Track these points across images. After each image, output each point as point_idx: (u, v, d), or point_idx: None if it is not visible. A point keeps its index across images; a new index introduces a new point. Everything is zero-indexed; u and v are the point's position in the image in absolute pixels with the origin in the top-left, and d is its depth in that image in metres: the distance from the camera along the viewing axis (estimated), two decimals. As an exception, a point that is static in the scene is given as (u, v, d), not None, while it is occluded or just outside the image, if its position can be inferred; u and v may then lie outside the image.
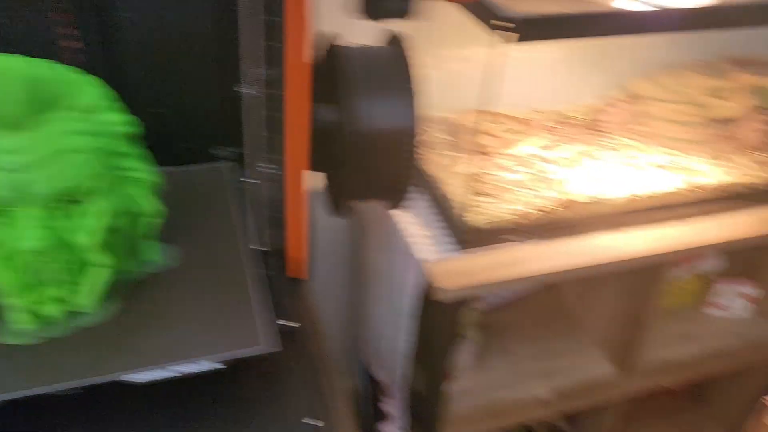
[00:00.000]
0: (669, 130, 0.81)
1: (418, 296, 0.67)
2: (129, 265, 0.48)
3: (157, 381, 0.43)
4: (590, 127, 0.83)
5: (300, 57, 0.45)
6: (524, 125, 0.81)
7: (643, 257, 0.68)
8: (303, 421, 0.44)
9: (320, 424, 0.44)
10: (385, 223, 0.74)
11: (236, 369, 0.45)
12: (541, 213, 0.68)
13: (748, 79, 0.83)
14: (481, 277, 0.64)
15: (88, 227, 0.42)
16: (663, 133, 0.81)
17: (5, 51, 0.46)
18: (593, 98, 0.87)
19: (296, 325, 0.49)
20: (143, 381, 0.42)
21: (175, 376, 0.43)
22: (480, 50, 0.57)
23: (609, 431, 0.91)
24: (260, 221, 0.54)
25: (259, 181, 0.52)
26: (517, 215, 0.67)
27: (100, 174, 0.43)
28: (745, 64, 0.87)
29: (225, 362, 0.44)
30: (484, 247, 0.67)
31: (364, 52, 0.50)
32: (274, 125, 0.48)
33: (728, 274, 0.98)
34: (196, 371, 0.43)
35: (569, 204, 0.69)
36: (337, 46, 0.50)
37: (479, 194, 0.69)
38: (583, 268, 0.66)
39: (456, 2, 0.60)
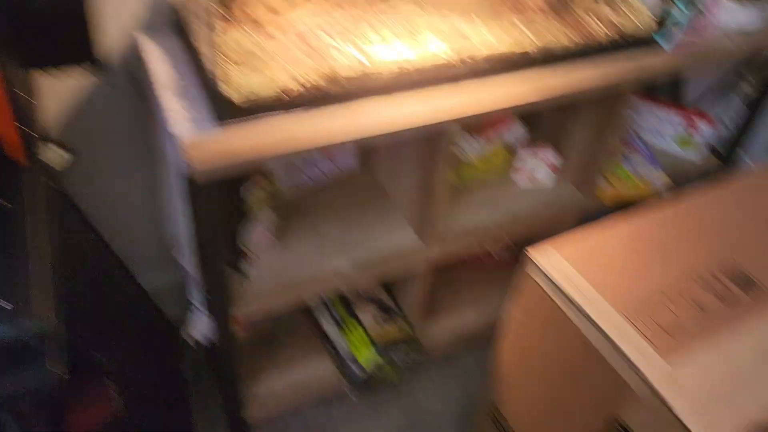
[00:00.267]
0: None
1: (183, 175, 0.65)
2: None
3: None
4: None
5: None
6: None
7: (417, 126, 0.69)
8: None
9: (8, 306, 0.43)
10: (153, 100, 0.70)
11: None
12: (308, 84, 0.66)
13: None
14: (240, 152, 0.62)
15: None
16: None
17: None
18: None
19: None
20: None
21: None
22: None
23: (422, 295, 0.95)
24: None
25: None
26: (283, 87, 0.65)
27: None
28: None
29: None
30: (246, 121, 0.65)
31: None
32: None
33: (532, 143, 1.02)
34: None
35: (338, 74, 0.67)
36: None
37: (240, 64, 0.66)
38: (346, 139, 0.66)
39: None
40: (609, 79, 0.78)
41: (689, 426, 0.54)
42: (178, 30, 0.77)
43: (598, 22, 0.82)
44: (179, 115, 0.65)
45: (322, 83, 0.66)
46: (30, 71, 0.55)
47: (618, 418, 0.62)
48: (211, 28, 0.63)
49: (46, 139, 0.63)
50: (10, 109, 0.48)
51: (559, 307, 0.66)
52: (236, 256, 0.78)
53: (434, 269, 0.97)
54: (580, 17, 0.83)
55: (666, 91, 1.19)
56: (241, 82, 0.64)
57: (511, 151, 1.00)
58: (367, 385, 0.92)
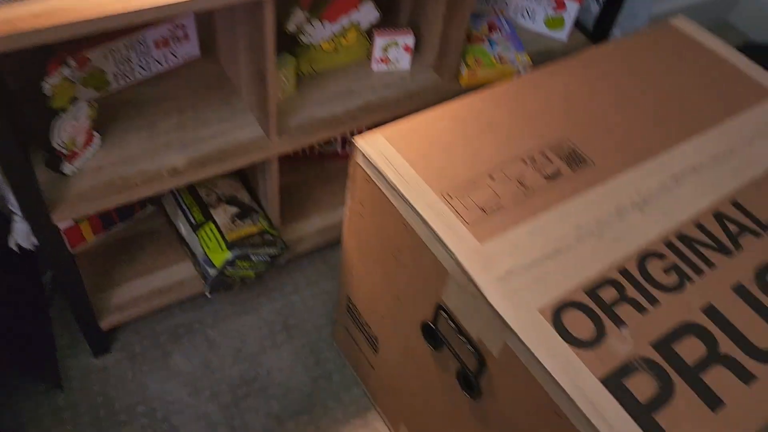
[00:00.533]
0: None
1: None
2: None
3: None
4: None
5: None
6: None
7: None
8: None
9: None
10: None
11: None
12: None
13: None
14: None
15: None
16: None
17: None
18: None
19: None
20: None
21: None
22: None
23: (276, 191, 0.92)
24: None
25: None
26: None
27: None
28: None
29: None
30: None
31: None
32: None
33: (388, 27, 0.96)
34: None
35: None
36: None
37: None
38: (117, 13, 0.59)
39: None
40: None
41: (493, 303, 0.54)
42: None
43: None
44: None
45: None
46: None
47: (441, 301, 0.62)
48: None
49: None
50: None
51: (383, 193, 0.64)
52: (51, 155, 0.72)
53: (295, 166, 0.93)
54: None
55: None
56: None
57: (366, 36, 0.94)
58: (221, 282, 0.90)
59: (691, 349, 0.54)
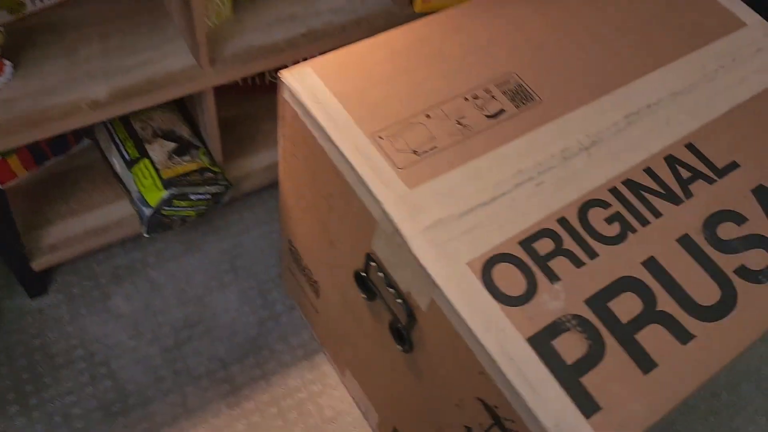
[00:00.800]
0: None
1: None
2: None
3: None
4: None
5: None
6: None
7: None
8: None
9: None
10: None
11: None
12: None
13: None
14: None
15: None
16: None
17: None
18: None
19: None
20: None
21: None
22: None
23: (215, 126, 0.86)
24: None
25: None
26: None
27: None
28: None
29: None
30: None
31: None
32: None
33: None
34: None
35: None
36: None
37: None
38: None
39: None
40: None
41: (418, 255, 0.50)
42: None
43: None
44: None
45: None
46: None
47: (371, 250, 0.58)
48: None
49: None
50: None
51: (312, 133, 0.59)
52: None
53: (242, 97, 0.87)
54: None
55: None
56: None
57: (312, -47, 0.86)
58: (159, 222, 0.86)
59: (627, 307, 0.50)
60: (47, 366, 0.86)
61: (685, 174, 0.59)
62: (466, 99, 0.60)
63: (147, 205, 0.83)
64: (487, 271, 0.50)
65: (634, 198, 0.56)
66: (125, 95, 0.73)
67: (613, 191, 0.56)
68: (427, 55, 0.63)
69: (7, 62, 0.71)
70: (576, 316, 0.49)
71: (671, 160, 0.59)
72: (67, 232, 0.88)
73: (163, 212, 0.85)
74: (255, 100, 1.05)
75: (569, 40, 0.67)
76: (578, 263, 0.52)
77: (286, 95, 0.61)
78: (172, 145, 0.87)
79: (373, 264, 0.58)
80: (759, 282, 0.53)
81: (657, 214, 0.56)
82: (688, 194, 0.57)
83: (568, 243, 0.53)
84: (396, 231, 0.52)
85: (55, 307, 0.91)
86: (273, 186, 1.05)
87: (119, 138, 0.87)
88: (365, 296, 0.63)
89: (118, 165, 0.87)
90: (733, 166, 0.60)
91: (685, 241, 0.54)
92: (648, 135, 0.61)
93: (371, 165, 0.54)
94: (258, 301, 0.95)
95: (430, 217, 0.52)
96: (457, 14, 0.67)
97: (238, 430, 0.84)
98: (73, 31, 0.77)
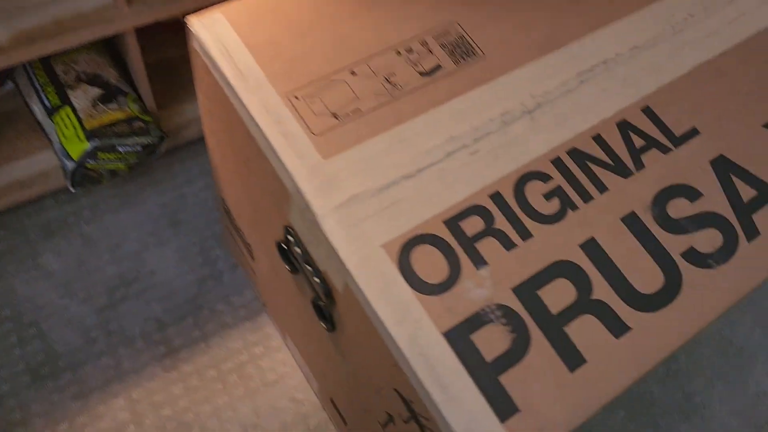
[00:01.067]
0: None
1: None
2: None
3: None
4: None
5: None
6: None
7: None
8: None
9: None
10: None
11: None
12: None
13: None
14: None
15: None
16: None
17: None
18: None
19: None
20: None
21: None
22: None
23: (142, 71, 0.79)
24: None
25: None
26: None
27: None
28: None
29: None
30: None
31: None
32: None
33: None
34: None
35: None
36: None
37: None
38: None
39: None
40: None
41: (329, 236, 0.45)
42: None
43: None
44: None
45: None
46: None
47: (288, 223, 0.53)
48: None
49: None
50: None
51: (224, 92, 0.52)
52: None
53: (181, 38, 0.79)
54: None
55: None
56: None
57: None
58: (85, 176, 0.79)
59: (559, 295, 0.45)
60: (-30, 327, 0.81)
61: (638, 142, 0.53)
62: (399, 53, 0.53)
63: (69, 158, 0.77)
64: (404, 254, 0.45)
65: (578, 170, 0.51)
66: (29, 39, 0.65)
67: (556, 162, 0.51)
68: (357, 1, 0.56)
69: None
70: (501, 306, 0.44)
71: (624, 127, 0.53)
72: (-10, 184, 0.82)
73: (88, 166, 0.78)
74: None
75: (521, -16, 0.59)
76: (509, 245, 0.47)
77: (195, 44, 0.54)
78: (97, 91, 0.79)
79: (290, 238, 0.53)
80: (708, 266, 0.49)
81: (602, 188, 0.50)
82: (640, 166, 0.52)
83: (500, 222, 0.47)
84: (306, 207, 0.46)
85: (-21, 263, 0.85)
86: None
87: (39, 83, 0.80)
88: (288, 268, 0.58)
89: (39, 113, 0.80)
90: (693, 133, 0.54)
91: (631, 220, 0.49)
92: (601, 96, 0.54)
93: (282, 130, 0.48)
94: (199, 258, 0.90)
95: (346, 192, 0.47)
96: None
97: (174, 394, 0.81)
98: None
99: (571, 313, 0.45)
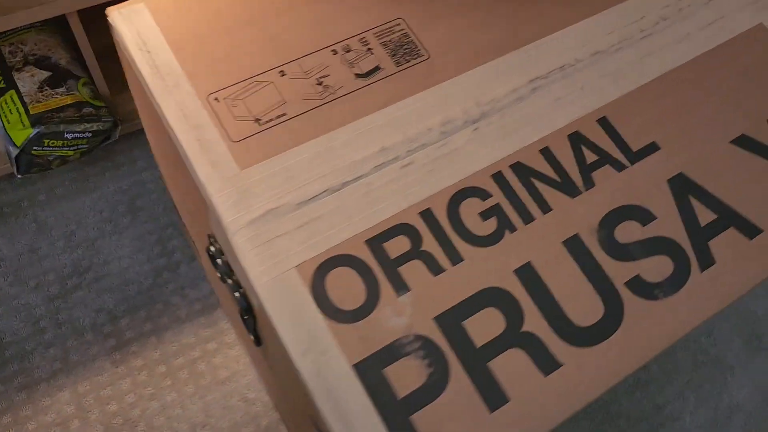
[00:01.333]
0: None
1: None
2: None
3: None
4: None
5: None
6: None
7: None
8: None
9: None
10: None
11: None
12: None
13: None
14: None
15: None
16: None
17: None
18: None
19: None
20: None
21: None
22: None
23: (88, 48, 0.75)
24: None
25: None
26: None
27: None
28: None
29: None
30: None
31: None
32: None
33: None
34: None
35: None
36: None
37: None
38: None
39: None
40: None
41: (238, 254, 0.42)
42: None
43: None
44: None
45: None
46: None
47: (211, 232, 0.50)
48: None
49: None
50: None
51: (144, 90, 0.49)
52: None
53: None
54: None
55: None
56: None
57: None
58: (32, 163, 0.76)
59: (486, 326, 0.42)
60: None
61: (590, 157, 0.49)
62: (335, 52, 0.49)
63: (13, 144, 0.74)
64: (319, 277, 0.42)
65: (521, 187, 0.47)
66: (-40, 19, 0.62)
67: (497, 177, 0.47)
68: (295, -7, 0.52)
69: None
70: (420, 337, 0.41)
71: (576, 140, 0.49)
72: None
73: (34, 152, 0.75)
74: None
75: (477, -21, 0.55)
76: (436, 270, 0.43)
77: (116, 35, 0.50)
78: (45, 74, 0.76)
79: (212, 248, 0.50)
80: (654, 298, 0.45)
81: (546, 208, 0.46)
82: (589, 184, 0.48)
83: (429, 243, 0.44)
84: (218, 221, 0.43)
85: (-73, 247, 0.83)
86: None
87: (-15, 63, 0.76)
88: (219, 276, 0.55)
89: (-14, 94, 0.77)
90: (652, 148, 0.50)
91: (573, 244, 0.46)
92: (554, 106, 0.50)
93: (198, 136, 0.45)
94: (156, 248, 0.87)
95: (261, 206, 0.43)
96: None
97: (122, 389, 0.79)
98: None
99: (497, 346, 0.42)
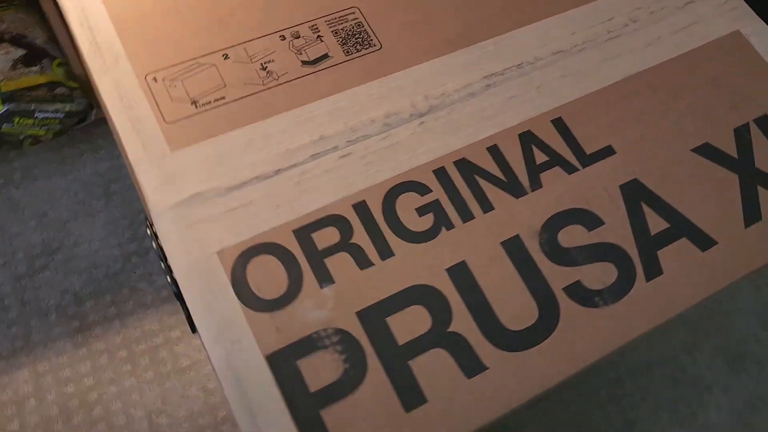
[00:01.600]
0: None
1: None
2: None
3: None
4: None
5: None
6: None
7: None
8: None
9: None
10: None
11: None
12: None
13: None
14: None
15: None
16: None
17: None
18: None
19: None
20: None
21: None
22: None
23: (64, 31, 0.74)
24: None
25: None
26: None
27: None
28: None
29: None
30: None
31: None
32: None
33: None
34: None
35: None
36: None
37: None
38: None
39: None
40: None
41: (160, 237, 0.41)
42: None
43: None
44: None
45: None
46: None
47: (147, 212, 0.49)
48: None
49: None
50: None
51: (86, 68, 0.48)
52: None
53: None
54: None
55: None
56: None
57: None
58: (2, 140, 0.76)
59: (410, 324, 0.41)
60: None
61: (540, 158, 0.47)
62: (283, 38, 0.48)
63: (-17, 120, 0.74)
64: (241, 264, 0.40)
65: (463, 184, 0.45)
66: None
67: (439, 173, 0.45)
68: (248, -24, 0.51)
69: None
70: (339, 331, 0.40)
71: (527, 139, 0.48)
72: None
73: (4, 130, 0.75)
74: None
75: (439, -30, 0.54)
76: (364, 263, 0.42)
77: (63, 13, 0.49)
78: (20, 52, 0.76)
79: (148, 230, 0.49)
80: (593, 305, 0.43)
81: (488, 207, 0.45)
82: (536, 185, 0.46)
83: (359, 236, 0.42)
84: (145, 202, 0.42)
85: None
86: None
87: (-37, 38, 0.76)
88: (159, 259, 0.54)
89: (-39, 69, 0.77)
90: (607, 152, 0.49)
91: (513, 246, 0.44)
92: (507, 104, 0.49)
93: (131, 115, 0.44)
94: (127, 233, 0.86)
95: (188, 189, 0.42)
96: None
97: (81, 372, 0.78)
98: None
99: (420, 345, 0.40)
